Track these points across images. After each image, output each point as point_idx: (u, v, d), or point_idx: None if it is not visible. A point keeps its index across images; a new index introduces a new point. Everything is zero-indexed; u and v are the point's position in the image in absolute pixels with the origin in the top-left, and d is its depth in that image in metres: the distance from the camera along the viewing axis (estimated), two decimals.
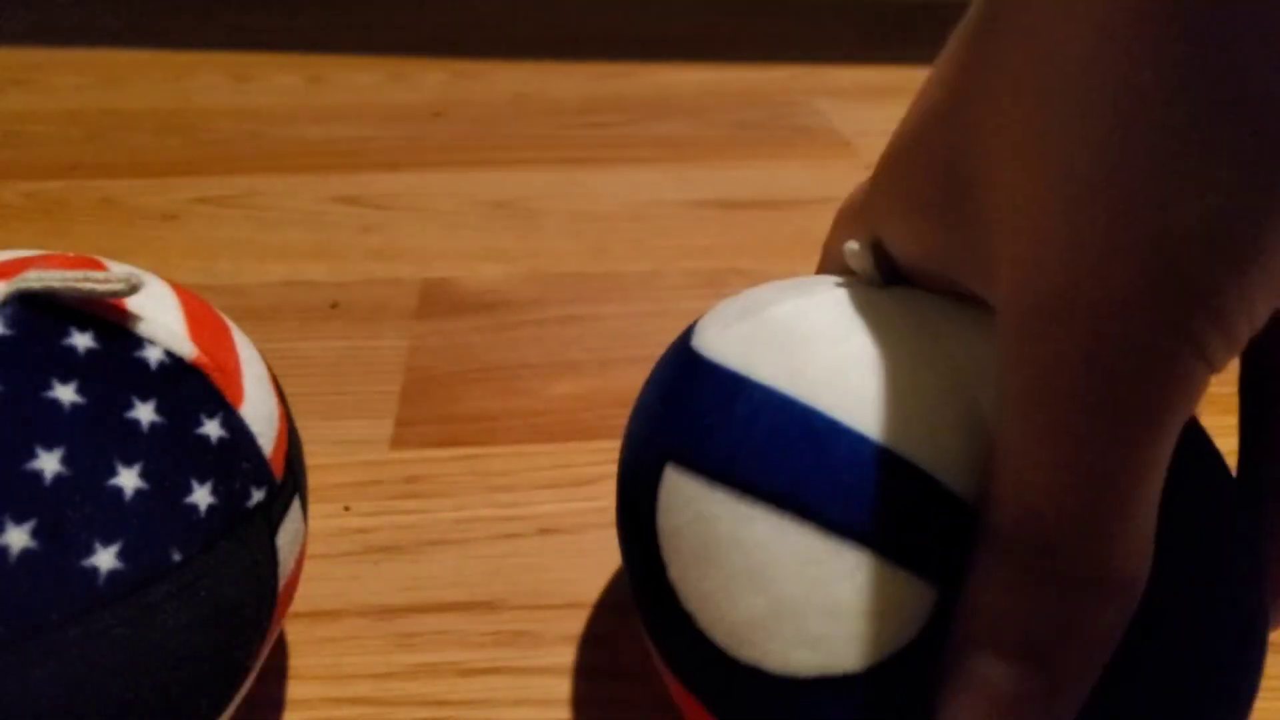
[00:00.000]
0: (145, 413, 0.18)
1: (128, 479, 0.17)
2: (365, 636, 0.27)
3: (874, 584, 0.16)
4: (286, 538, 0.21)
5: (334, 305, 0.44)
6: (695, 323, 0.22)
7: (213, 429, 0.19)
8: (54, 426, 0.17)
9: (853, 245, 0.20)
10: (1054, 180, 0.14)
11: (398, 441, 0.35)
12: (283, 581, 0.21)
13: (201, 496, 0.18)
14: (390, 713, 0.25)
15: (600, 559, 0.30)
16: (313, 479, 0.33)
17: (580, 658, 0.27)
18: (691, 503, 0.19)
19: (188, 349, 0.20)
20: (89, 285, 0.18)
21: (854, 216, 0.21)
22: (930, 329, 0.18)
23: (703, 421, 0.19)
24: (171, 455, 0.18)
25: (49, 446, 0.17)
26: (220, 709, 0.19)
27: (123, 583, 0.17)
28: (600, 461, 0.34)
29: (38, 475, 0.16)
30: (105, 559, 0.17)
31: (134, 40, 0.80)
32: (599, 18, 0.91)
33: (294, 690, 0.26)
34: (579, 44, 0.83)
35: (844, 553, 0.17)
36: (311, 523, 0.31)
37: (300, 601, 0.28)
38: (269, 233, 0.51)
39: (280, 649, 0.27)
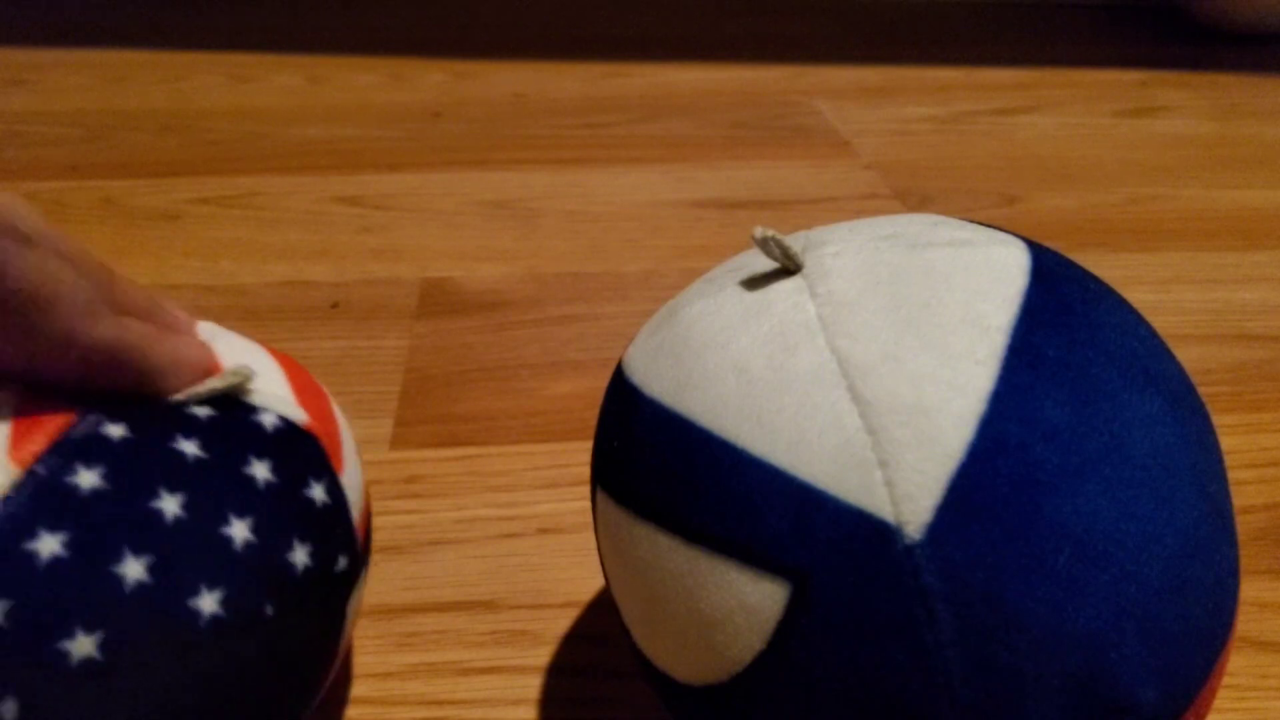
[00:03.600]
0: (261, 470, 0.19)
1: (239, 530, 0.18)
2: (364, 636, 0.28)
3: (728, 590, 0.17)
4: (354, 604, 0.22)
5: (334, 305, 0.44)
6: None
7: (319, 493, 0.20)
8: (177, 472, 0.18)
9: (762, 232, 0.19)
10: None
11: (397, 441, 0.35)
12: (342, 645, 0.22)
13: (300, 556, 0.19)
14: (389, 712, 0.25)
15: (598, 558, 0.30)
16: None
17: (579, 657, 0.27)
18: (608, 524, 0.20)
19: (299, 415, 0.21)
20: (209, 386, 0.19)
21: None
22: (818, 321, 0.18)
23: (612, 442, 0.20)
24: (281, 514, 0.19)
25: (172, 490, 0.17)
26: None
27: (221, 628, 0.17)
28: None
29: (158, 514, 0.17)
30: (209, 603, 0.17)
31: (134, 41, 0.81)
32: (598, 18, 0.92)
33: None
34: (578, 44, 0.83)
35: (702, 562, 0.17)
36: None
37: None
38: (269, 233, 0.51)
39: None
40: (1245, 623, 0.29)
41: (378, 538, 0.31)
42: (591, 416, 0.37)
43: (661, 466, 0.18)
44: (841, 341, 0.17)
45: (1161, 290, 0.47)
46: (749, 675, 0.17)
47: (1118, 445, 0.16)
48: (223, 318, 0.43)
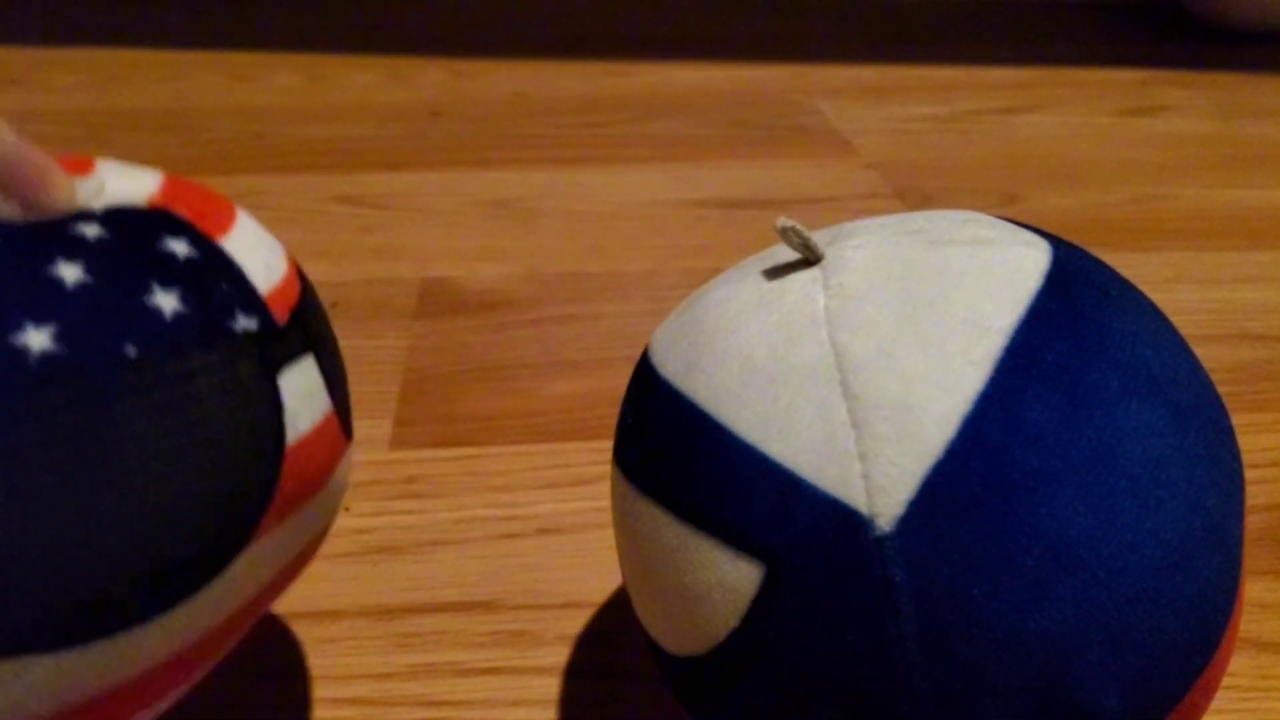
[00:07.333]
0: (91, 230, 0.17)
1: (69, 271, 0.16)
2: (364, 637, 0.27)
3: (711, 567, 0.17)
4: (297, 388, 0.19)
5: (334, 305, 0.44)
6: None
7: (179, 247, 0.18)
8: None
9: (784, 221, 0.19)
10: None
11: (397, 441, 0.35)
12: (292, 437, 0.19)
13: (165, 301, 0.17)
14: (388, 713, 0.25)
15: (599, 558, 0.30)
16: None
17: (579, 657, 0.27)
18: (618, 498, 0.20)
19: (141, 200, 0.19)
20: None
21: None
22: (823, 314, 0.18)
23: (628, 418, 0.21)
24: (124, 260, 0.17)
25: None
26: (218, 566, 0.17)
27: (60, 365, 0.15)
28: (598, 461, 0.35)
29: None
30: (37, 339, 0.15)
31: (133, 39, 0.81)
32: (598, 18, 0.92)
33: (292, 690, 0.26)
34: (577, 43, 0.83)
35: (690, 539, 0.17)
36: None
37: (299, 602, 0.29)
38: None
39: (279, 649, 0.27)
40: (1245, 623, 0.29)
41: (377, 538, 0.31)
42: (591, 417, 0.37)
43: (664, 444, 0.18)
44: (842, 335, 0.17)
45: (1162, 290, 0.47)
46: (723, 650, 0.17)
47: (1105, 453, 0.16)
48: None
